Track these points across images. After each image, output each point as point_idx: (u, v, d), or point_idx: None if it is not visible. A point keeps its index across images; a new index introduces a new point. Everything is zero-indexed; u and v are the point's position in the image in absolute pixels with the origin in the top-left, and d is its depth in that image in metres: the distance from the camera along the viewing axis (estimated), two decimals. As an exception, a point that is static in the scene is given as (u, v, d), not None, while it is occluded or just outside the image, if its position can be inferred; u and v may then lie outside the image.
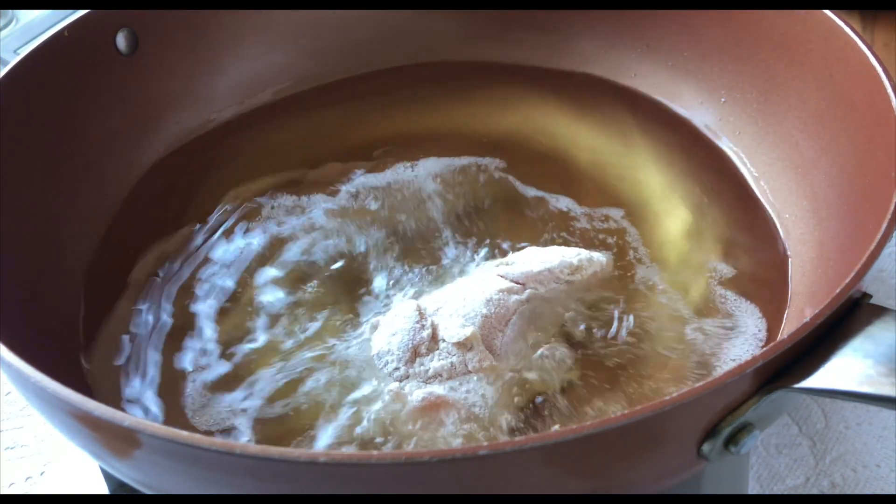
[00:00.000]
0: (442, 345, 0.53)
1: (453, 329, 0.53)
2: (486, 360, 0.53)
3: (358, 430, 0.51)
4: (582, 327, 0.56)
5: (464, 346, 0.52)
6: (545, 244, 0.62)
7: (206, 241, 0.65)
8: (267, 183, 0.69)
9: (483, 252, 0.62)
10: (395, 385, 0.52)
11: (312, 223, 0.65)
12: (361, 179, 0.69)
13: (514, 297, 0.55)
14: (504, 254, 0.61)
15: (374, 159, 0.71)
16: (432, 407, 0.51)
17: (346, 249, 0.63)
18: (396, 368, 0.53)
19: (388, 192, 0.68)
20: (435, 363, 0.52)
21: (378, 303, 0.59)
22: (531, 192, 0.68)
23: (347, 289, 0.60)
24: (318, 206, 0.67)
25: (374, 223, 0.65)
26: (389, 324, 0.55)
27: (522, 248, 0.61)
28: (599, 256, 0.59)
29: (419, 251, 0.63)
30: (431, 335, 0.53)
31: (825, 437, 0.61)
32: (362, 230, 0.64)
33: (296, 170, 0.70)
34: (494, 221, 0.65)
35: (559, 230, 0.64)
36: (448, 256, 0.62)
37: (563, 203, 0.66)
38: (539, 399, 0.52)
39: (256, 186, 0.69)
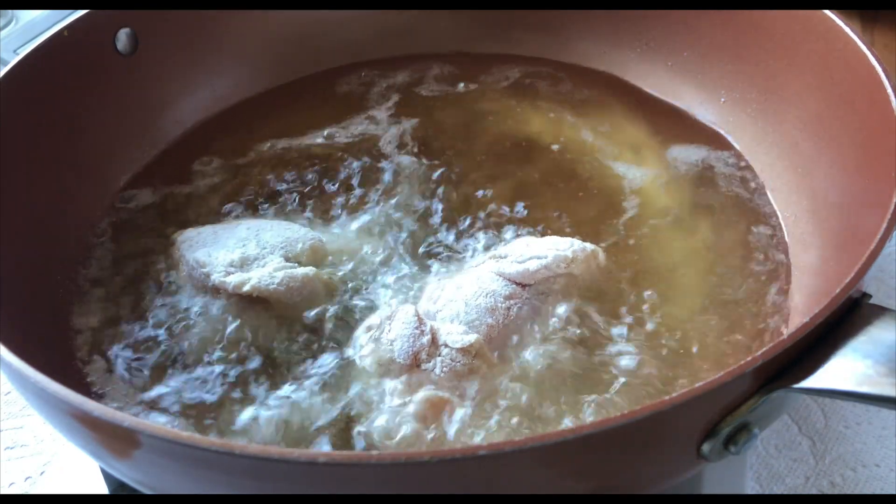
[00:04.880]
0: (444, 350, 0.52)
1: (456, 335, 0.53)
2: (489, 362, 0.53)
3: (362, 431, 0.51)
4: (578, 331, 0.56)
5: (468, 351, 0.52)
6: (538, 234, 0.62)
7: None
8: (267, 178, 0.70)
9: (477, 242, 0.63)
10: (399, 388, 0.52)
11: (317, 216, 0.66)
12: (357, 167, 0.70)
13: (516, 303, 0.55)
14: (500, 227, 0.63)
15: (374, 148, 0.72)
16: (436, 408, 0.51)
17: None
18: (399, 374, 0.53)
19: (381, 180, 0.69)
20: (437, 369, 0.52)
21: (375, 297, 0.59)
22: (529, 184, 0.68)
23: (342, 284, 0.60)
24: (319, 197, 0.67)
25: (370, 213, 0.66)
26: (388, 328, 0.54)
27: (516, 237, 0.62)
28: (592, 247, 0.59)
29: (413, 241, 0.63)
30: (431, 340, 0.53)
31: (825, 437, 0.61)
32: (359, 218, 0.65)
33: (297, 165, 0.71)
34: (491, 211, 0.65)
35: (554, 221, 0.64)
36: (443, 244, 0.63)
37: (559, 197, 0.66)
38: (543, 396, 0.53)
39: (256, 183, 0.69)
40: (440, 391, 0.51)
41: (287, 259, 0.59)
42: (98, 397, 0.55)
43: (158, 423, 0.53)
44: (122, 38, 0.70)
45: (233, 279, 0.57)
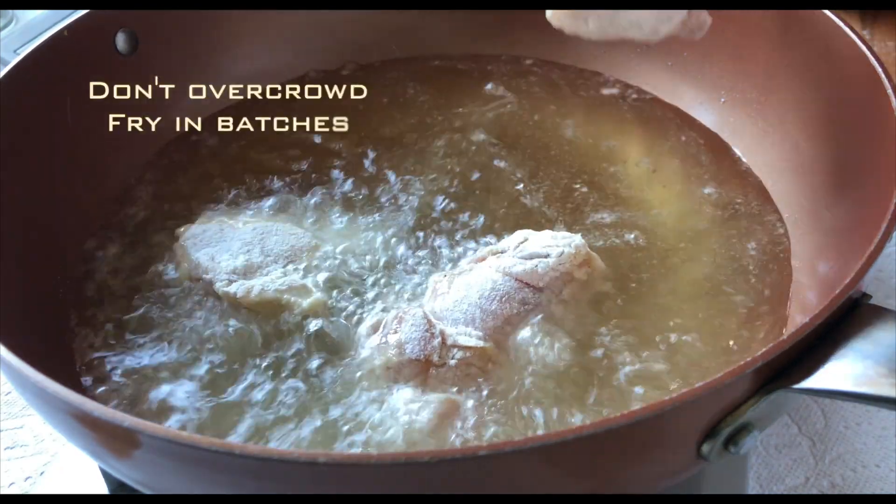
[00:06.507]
0: (457, 353, 0.52)
1: (467, 338, 0.53)
2: (500, 364, 0.53)
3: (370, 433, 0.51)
4: (586, 333, 0.56)
5: (480, 354, 0.52)
6: (536, 229, 0.62)
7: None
8: (267, 177, 0.70)
9: (475, 239, 0.63)
10: (409, 392, 0.52)
11: (318, 215, 0.66)
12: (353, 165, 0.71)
13: (526, 306, 0.55)
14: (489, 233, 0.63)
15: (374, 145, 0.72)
16: (447, 411, 0.51)
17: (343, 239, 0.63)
18: (409, 377, 0.52)
19: (380, 181, 0.69)
20: (449, 372, 0.52)
21: (376, 296, 0.59)
22: (528, 179, 0.68)
23: (344, 284, 0.60)
24: (318, 195, 0.68)
25: (368, 211, 0.66)
26: (395, 331, 0.54)
27: (511, 231, 0.62)
28: (588, 250, 0.59)
29: (414, 239, 0.63)
30: (441, 342, 0.53)
31: (825, 437, 0.61)
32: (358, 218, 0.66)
33: (298, 164, 0.71)
34: (489, 206, 0.66)
35: (550, 220, 0.64)
36: (444, 241, 0.63)
37: (556, 195, 0.66)
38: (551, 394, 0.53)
39: (257, 181, 0.69)
40: (451, 394, 0.51)
41: (290, 266, 0.60)
42: (98, 397, 0.55)
43: (158, 422, 0.53)
44: (122, 38, 0.70)
45: (236, 289, 0.58)
